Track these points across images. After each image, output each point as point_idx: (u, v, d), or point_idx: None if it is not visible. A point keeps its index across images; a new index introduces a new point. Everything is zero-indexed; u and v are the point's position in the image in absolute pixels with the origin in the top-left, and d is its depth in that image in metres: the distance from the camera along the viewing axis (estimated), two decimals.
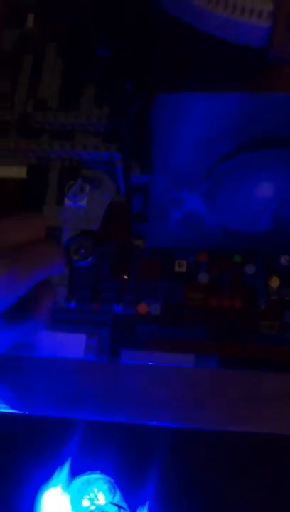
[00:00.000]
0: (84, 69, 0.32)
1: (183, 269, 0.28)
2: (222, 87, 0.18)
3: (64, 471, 0.23)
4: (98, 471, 0.23)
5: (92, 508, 0.23)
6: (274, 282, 0.27)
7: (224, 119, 0.20)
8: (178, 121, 0.21)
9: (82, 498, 0.23)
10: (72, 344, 0.26)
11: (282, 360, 0.26)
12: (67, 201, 0.29)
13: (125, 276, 0.27)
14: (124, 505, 0.23)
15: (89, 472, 0.23)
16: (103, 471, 0.23)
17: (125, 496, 0.25)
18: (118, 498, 0.23)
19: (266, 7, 0.16)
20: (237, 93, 0.18)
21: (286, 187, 0.23)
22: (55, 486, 0.22)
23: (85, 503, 0.23)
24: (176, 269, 0.28)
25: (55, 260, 0.20)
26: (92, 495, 0.22)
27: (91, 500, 0.23)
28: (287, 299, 0.27)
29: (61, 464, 0.23)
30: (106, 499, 0.23)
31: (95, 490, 0.22)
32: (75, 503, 0.23)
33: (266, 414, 0.25)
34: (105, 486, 0.22)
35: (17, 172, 0.30)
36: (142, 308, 0.27)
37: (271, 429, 0.25)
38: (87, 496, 0.23)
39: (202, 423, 0.25)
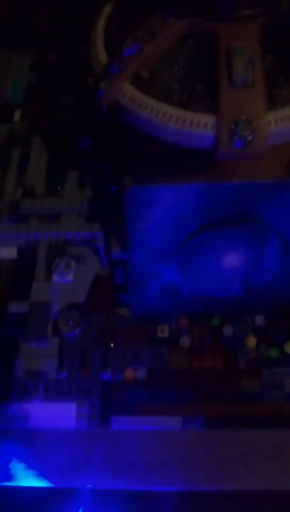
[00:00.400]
0: (67, 158, 0.35)
1: (166, 334, 0.30)
2: (182, 180, 0.21)
3: None
4: None
5: None
6: (251, 342, 0.29)
7: (188, 204, 0.23)
8: (149, 207, 0.24)
9: None
10: (64, 413, 0.27)
11: (265, 416, 0.27)
12: (55, 277, 0.31)
13: (111, 344, 0.29)
14: None
15: None
16: None
17: None
18: None
19: (209, 120, 0.20)
20: (194, 184, 0.21)
21: (250, 257, 0.26)
22: None
23: None
24: (159, 334, 0.30)
25: None
26: None
27: None
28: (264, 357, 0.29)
29: None
30: None
31: None
32: None
33: (257, 471, 0.26)
34: None
35: (8, 253, 0.33)
36: (129, 374, 0.29)
37: (265, 486, 0.26)
38: None
39: (197, 484, 0.26)
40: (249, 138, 0.19)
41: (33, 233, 0.32)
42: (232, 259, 0.26)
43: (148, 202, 0.24)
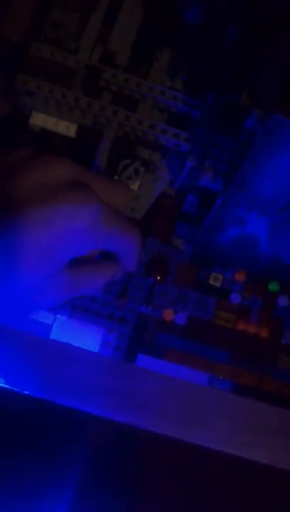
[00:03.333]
0: (167, 31, 0.28)
1: (218, 283, 0.26)
2: None
3: None
4: None
5: None
6: None
7: None
8: (285, 148, 0.19)
9: None
10: (89, 336, 0.25)
11: None
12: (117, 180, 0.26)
13: (158, 277, 0.26)
14: None
15: None
16: None
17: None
18: None
19: None
20: None
21: None
22: None
23: None
24: (211, 281, 0.26)
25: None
26: None
27: None
28: None
29: None
30: None
31: None
32: None
33: (263, 445, 0.25)
34: None
35: (66, 128, 0.27)
36: (168, 315, 0.26)
37: (265, 460, 0.25)
38: None
39: (201, 441, 0.25)
40: None
41: (104, 114, 0.25)
42: None
43: (287, 141, 0.19)
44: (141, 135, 0.26)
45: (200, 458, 0.25)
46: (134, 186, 0.26)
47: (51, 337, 0.24)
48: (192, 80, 0.27)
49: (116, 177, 0.26)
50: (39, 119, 0.26)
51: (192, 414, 0.25)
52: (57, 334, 0.24)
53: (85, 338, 0.24)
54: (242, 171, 0.20)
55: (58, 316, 0.24)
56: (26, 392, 0.24)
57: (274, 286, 0.27)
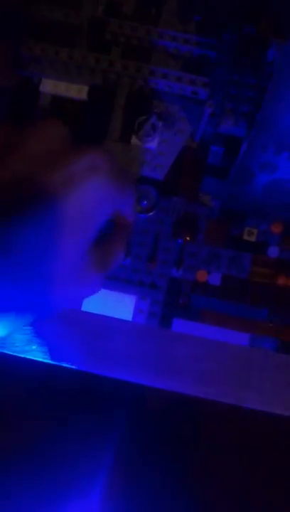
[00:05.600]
0: None
1: (253, 238, 0.25)
2: None
3: None
4: None
5: None
6: None
7: None
8: None
9: None
10: (121, 304, 0.24)
11: None
12: (134, 139, 0.24)
13: (188, 238, 0.24)
14: None
15: None
16: None
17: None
18: None
19: None
20: None
21: None
22: None
23: None
24: (245, 237, 0.25)
25: None
26: None
27: None
28: None
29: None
30: None
31: None
32: None
33: None
34: None
35: (77, 92, 0.25)
36: (201, 275, 0.24)
37: None
38: None
39: (247, 403, 0.24)
40: None
41: (114, 69, 0.24)
42: None
43: None
44: (155, 87, 0.24)
45: (247, 420, 0.25)
46: (153, 143, 0.24)
47: (82, 309, 0.24)
48: (204, 18, 0.25)
49: (133, 136, 0.24)
50: (49, 86, 0.25)
51: (236, 376, 0.24)
52: (88, 305, 0.24)
53: (118, 307, 0.24)
54: (265, 107, 0.18)
55: None
56: (69, 366, 0.24)
57: None
